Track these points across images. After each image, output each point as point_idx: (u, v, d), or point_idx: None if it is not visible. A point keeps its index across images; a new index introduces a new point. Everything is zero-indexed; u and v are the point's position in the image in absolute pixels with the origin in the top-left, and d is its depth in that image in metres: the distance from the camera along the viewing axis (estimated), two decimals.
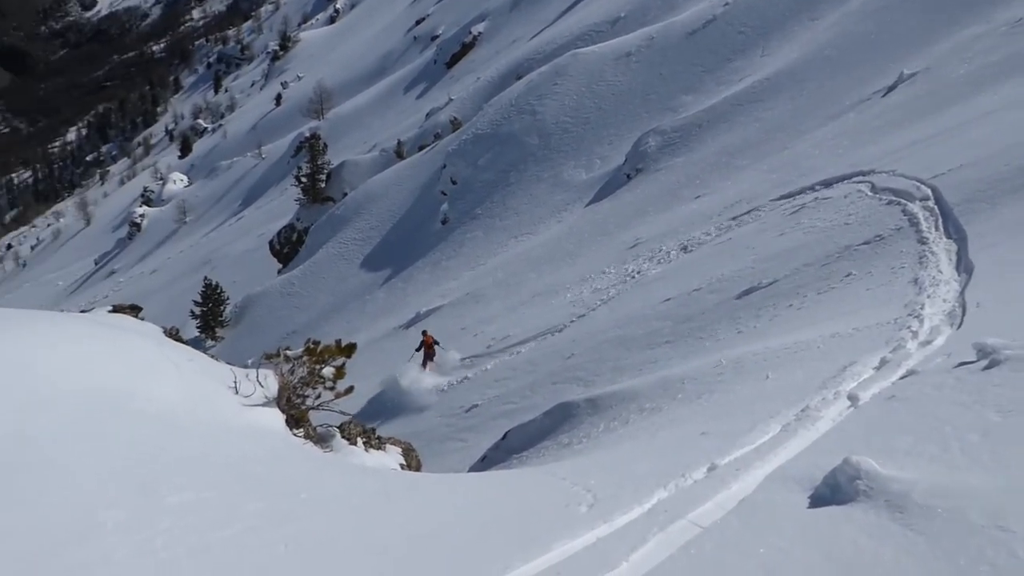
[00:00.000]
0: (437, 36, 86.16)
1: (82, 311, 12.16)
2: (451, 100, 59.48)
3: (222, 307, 48.32)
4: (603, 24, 46.87)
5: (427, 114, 62.73)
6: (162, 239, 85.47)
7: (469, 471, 12.16)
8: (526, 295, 22.24)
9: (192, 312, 47.84)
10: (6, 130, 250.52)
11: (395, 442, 12.02)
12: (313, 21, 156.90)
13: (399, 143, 59.16)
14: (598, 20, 48.09)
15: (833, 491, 3.41)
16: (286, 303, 42.60)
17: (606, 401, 10.35)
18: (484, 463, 12.81)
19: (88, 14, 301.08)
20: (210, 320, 48.38)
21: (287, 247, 54.78)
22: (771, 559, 3.00)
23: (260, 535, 3.97)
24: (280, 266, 52.86)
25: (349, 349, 9.16)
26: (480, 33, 74.71)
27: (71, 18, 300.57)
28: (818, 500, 3.44)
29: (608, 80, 36.76)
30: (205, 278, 51.00)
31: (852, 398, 5.13)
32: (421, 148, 52.03)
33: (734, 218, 17.79)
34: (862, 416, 4.80)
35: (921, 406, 4.46)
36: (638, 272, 18.31)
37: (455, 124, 49.77)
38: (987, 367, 4.62)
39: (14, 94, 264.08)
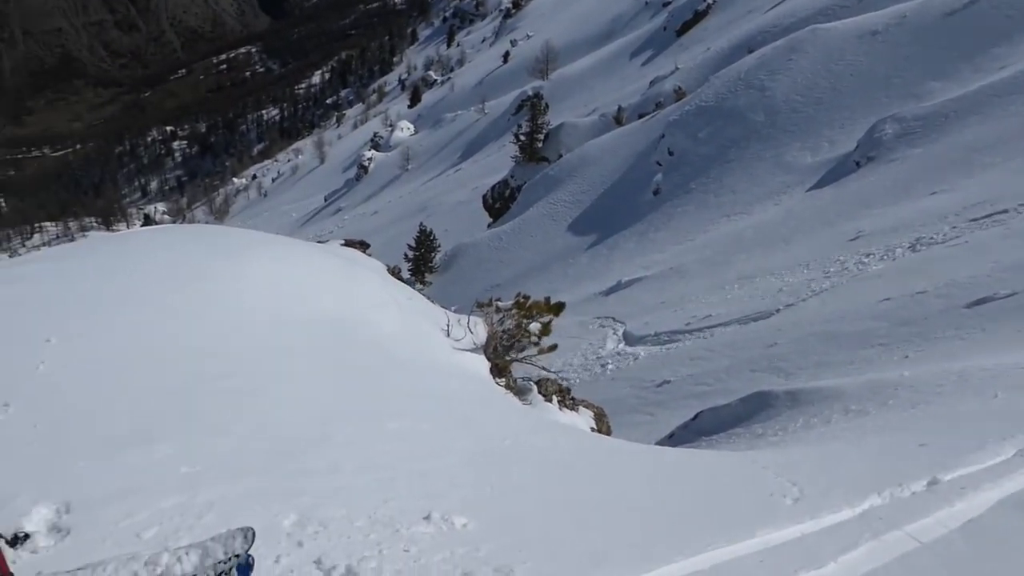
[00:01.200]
0: (669, 2, 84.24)
1: (319, 241, 13.19)
2: (677, 69, 58.13)
3: (433, 253, 50.63)
4: None
5: (651, 82, 61.75)
6: (385, 183, 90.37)
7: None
8: (732, 276, 21.62)
9: (405, 255, 50.42)
10: (261, 70, 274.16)
11: (588, 405, 12.19)
12: None
13: (619, 109, 58.72)
14: None
15: None
16: (493, 256, 43.96)
17: (807, 396, 9.94)
18: (672, 440, 12.72)
19: None
20: (421, 264, 50.77)
21: (499, 202, 56.34)
22: None
23: (468, 471, 4.21)
24: (490, 220, 54.53)
25: (557, 308, 9.38)
26: (715, 1, 72.29)
27: None
28: None
29: (848, 59, 34.53)
30: (421, 224, 53.53)
31: None
32: (641, 116, 51.42)
33: (974, 220, 16.33)
34: None
35: None
36: (857, 267, 17.29)
37: (678, 94, 48.63)
38: None
39: (271, 37, 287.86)
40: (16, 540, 2.95)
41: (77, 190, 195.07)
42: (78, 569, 2.71)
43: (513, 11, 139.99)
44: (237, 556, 2.81)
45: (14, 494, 3.25)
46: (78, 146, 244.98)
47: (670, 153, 37.14)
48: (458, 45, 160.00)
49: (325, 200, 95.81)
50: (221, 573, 2.77)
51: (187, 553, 2.83)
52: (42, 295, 5.64)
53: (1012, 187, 17.35)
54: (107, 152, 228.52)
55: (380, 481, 3.94)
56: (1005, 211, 15.76)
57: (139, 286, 6.05)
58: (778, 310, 16.65)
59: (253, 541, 2.86)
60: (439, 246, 50.48)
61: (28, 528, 2.99)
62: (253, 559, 2.79)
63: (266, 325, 5.83)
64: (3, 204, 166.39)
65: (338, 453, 4.17)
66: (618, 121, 54.79)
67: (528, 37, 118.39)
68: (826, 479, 4.54)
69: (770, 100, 35.20)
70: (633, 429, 14.37)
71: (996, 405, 6.49)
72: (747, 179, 30.37)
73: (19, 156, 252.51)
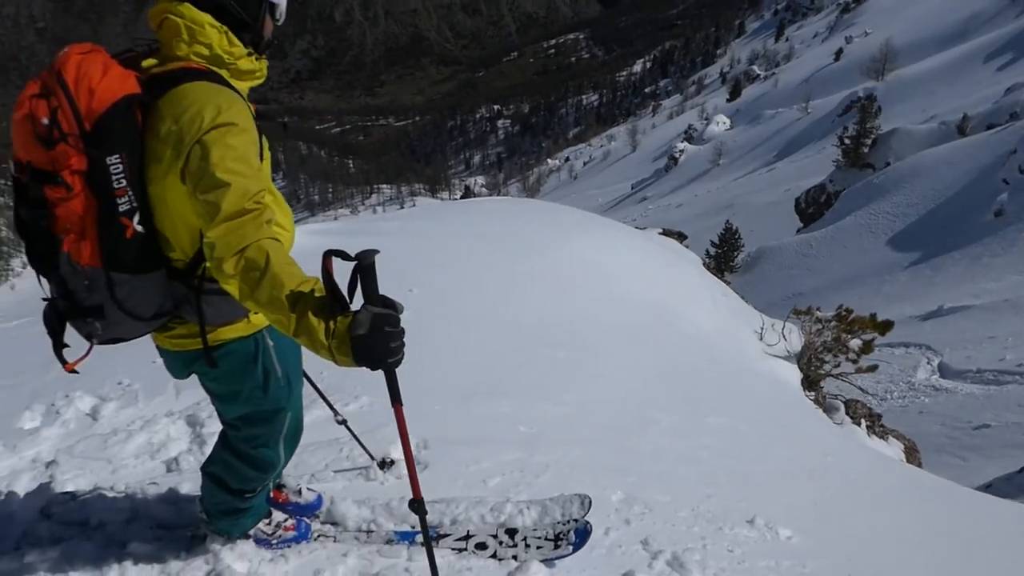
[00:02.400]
0: None
1: (637, 227, 13.38)
2: None
3: (736, 252, 49.33)
4: None
5: (1007, 89, 54.97)
6: (694, 176, 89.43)
7: None
8: None
9: (707, 251, 49.63)
10: (587, 56, 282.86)
11: (898, 436, 11.26)
12: None
13: (964, 117, 53.03)
14: None
15: None
16: (799, 263, 41.88)
17: None
18: (989, 491, 11.41)
19: None
20: (722, 263, 49.73)
21: (813, 207, 53.48)
22: None
23: (789, 482, 4.05)
24: (800, 225, 51.93)
25: (884, 326, 8.71)
26: None
27: None
28: None
29: None
30: (727, 221, 52.33)
31: None
32: (990, 127, 46.05)
33: None
34: None
35: None
36: None
37: None
38: None
39: (600, 24, 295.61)
40: (384, 464, 3.32)
41: (412, 157, 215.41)
42: (435, 502, 2.98)
43: (853, 5, 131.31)
44: (575, 520, 2.93)
45: (383, 423, 3.65)
46: (417, 118, 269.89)
47: (1021, 171, 32.86)
48: (787, 40, 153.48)
49: (632, 188, 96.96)
50: (559, 533, 2.89)
51: (528, 507, 3.00)
52: (403, 249, 6.28)
53: None
54: (440, 125, 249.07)
55: (701, 474, 3.91)
56: None
57: (483, 251, 6.51)
58: None
59: (589, 509, 2.97)
60: (743, 245, 49.08)
61: (394, 456, 3.35)
62: (591, 526, 2.89)
63: (592, 303, 6.00)
64: (351, 164, 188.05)
65: (662, 439, 4.19)
66: (961, 131, 49.58)
67: (866, 34, 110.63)
68: None
69: None
70: (940, 470, 13.03)
71: None
72: None
73: (368, 123, 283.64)
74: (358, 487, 3.20)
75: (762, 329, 8.49)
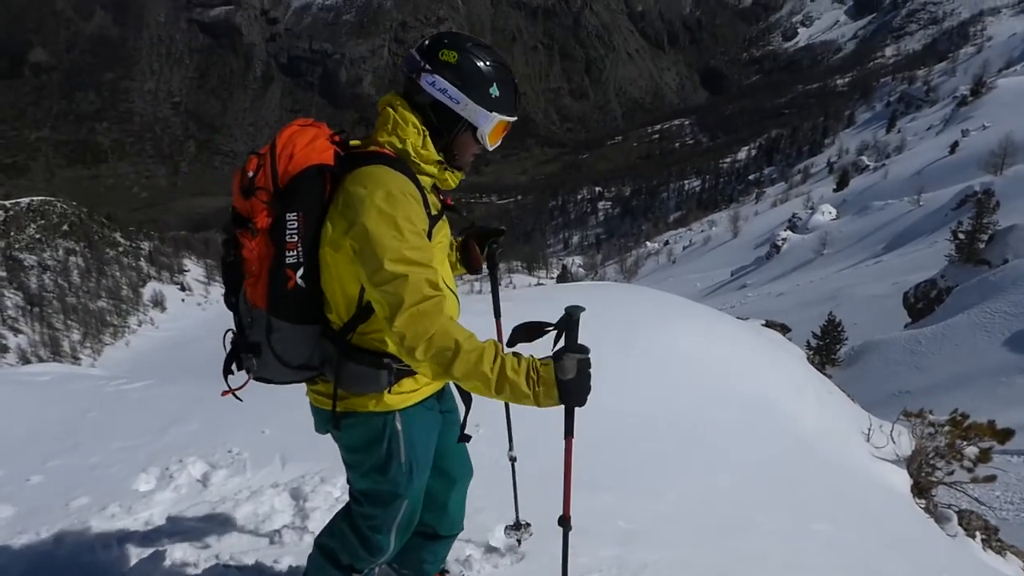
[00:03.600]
0: None
1: (739, 318, 13.18)
2: None
3: (839, 345, 47.73)
4: None
5: None
6: (796, 265, 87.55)
7: None
8: None
9: (808, 343, 48.19)
10: (691, 142, 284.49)
11: (1018, 553, 10.51)
12: (1017, 68, 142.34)
13: None
14: None
15: None
16: (906, 360, 40.10)
17: None
18: None
19: (787, 44, 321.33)
20: (824, 355, 48.16)
21: (922, 302, 51.54)
22: None
23: None
24: (909, 320, 50.02)
25: (1004, 434, 8.24)
26: None
27: (771, 47, 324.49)
28: None
29: None
30: (830, 313, 50.87)
31: None
32: None
33: None
34: None
35: None
36: None
37: None
38: None
39: (706, 111, 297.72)
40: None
41: (511, 235, 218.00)
42: None
43: (970, 99, 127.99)
44: None
45: (481, 508, 3.68)
46: (519, 197, 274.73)
47: None
48: (899, 131, 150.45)
49: (732, 275, 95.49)
50: None
51: None
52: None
53: None
54: (542, 204, 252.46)
55: None
56: None
57: (585, 338, 6.53)
58: None
59: None
60: (846, 339, 47.46)
61: (492, 542, 3.38)
62: None
63: (694, 395, 5.93)
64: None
65: (765, 543, 4.07)
66: None
67: (984, 127, 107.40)
68: None
69: None
70: None
71: None
72: None
73: (472, 200, 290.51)
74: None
75: (869, 430, 8.16)
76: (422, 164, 2.33)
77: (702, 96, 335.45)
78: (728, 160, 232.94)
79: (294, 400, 2.88)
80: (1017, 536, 14.80)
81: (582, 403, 2.14)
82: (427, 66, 2.29)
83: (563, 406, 2.17)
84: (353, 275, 2.22)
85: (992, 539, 9.98)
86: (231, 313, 2.40)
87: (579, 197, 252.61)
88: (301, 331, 2.27)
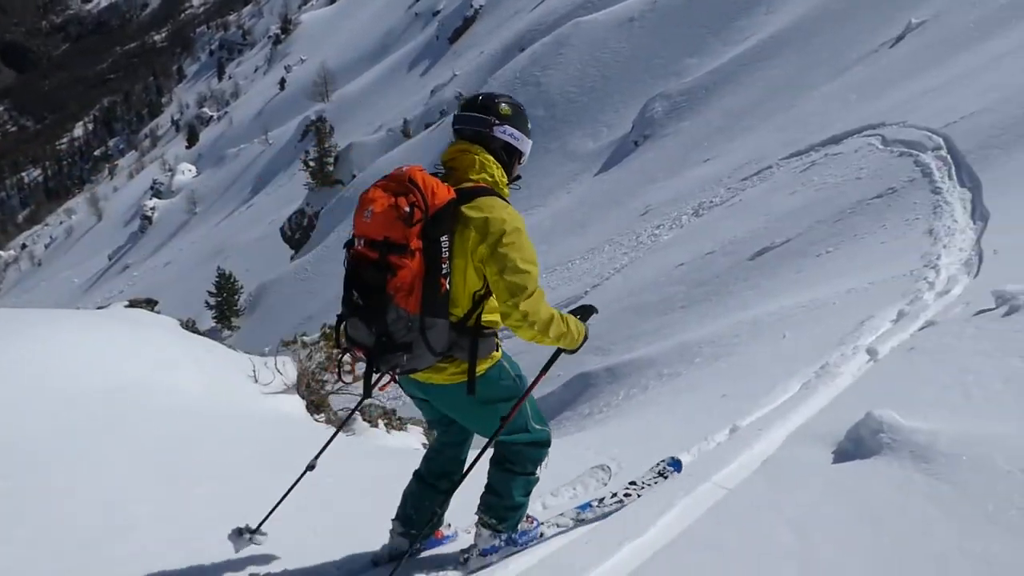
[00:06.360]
0: (438, 11, 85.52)
1: (99, 308, 12.25)
2: (455, 76, 59.16)
3: (236, 296, 48.46)
4: None
5: (431, 91, 62.37)
6: (174, 231, 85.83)
7: None
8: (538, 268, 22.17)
9: (207, 302, 47.98)
10: (13, 128, 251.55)
11: (416, 423, 12.08)
12: (313, 2, 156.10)
13: (405, 122, 58.81)
14: None
15: (857, 446, 3.38)
16: (300, 289, 42.77)
17: (624, 369, 10.31)
18: None
19: (88, 6, 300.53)
20: (225, 310, 48.54)
21: (298, 233, 54.89)
22: (798, 516, 3.01)
23: (289, 522, 4.00)
24: (292, 252, 52.98)
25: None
26: (481, 6, 74.09)
27: (71, 11, 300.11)
28: (842, 456, 3.42)
29: (611, 47, 36.46)
30: (218, 268, 51.14)
31: (871, 352, 5.09)
32: (427, 126, 51.78)
33: (744, 179, 17.68)
34: (882, 370, 4.78)
35: (942, 356, 4.44)
36: (650, 239, 18.25)
37: (460, 100, 49.53)
38: (1007, 314, 4.58)
39: (19, 92, 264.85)
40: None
41: None
42: None
43: (283, 36, 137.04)
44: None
45: None
46: None
47: None
48: (230, 77, 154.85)
49: (109, 259, 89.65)
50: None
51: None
52: None
53: (771, 145, 18.93)
54: None
55: (190, 553, 3.66)
56: (769, 167, 17.16)
57: None
58: (586, 292, 17.23)
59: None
60: (242, 288, 48.48)
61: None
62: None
63: (44, 410, 5.30)
64: None
65: (144, 534, 3.85)
66: (406, 134, 54.92)
67: (302, 61, 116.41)
68: (643, 448, 4.70)
69: (546, 94, 36.55)
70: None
71: (785, 346, 6.99)
72: (538, 172, 31.29)
73: None
74: None
75: (254, 371, 8.38)
76: (503, 189, 3.07)
77: (9, 76, 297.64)
78: (65, 140, 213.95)
79: None
80: (414, 411, 17.06)
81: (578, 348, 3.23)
82: (496, 121, 3.05)
83: (557, 348, 3.22)
84: (477, 275, 2.91)
85: (392, 421, 11.29)
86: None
87: None
88: (444, 324, 2.87)
